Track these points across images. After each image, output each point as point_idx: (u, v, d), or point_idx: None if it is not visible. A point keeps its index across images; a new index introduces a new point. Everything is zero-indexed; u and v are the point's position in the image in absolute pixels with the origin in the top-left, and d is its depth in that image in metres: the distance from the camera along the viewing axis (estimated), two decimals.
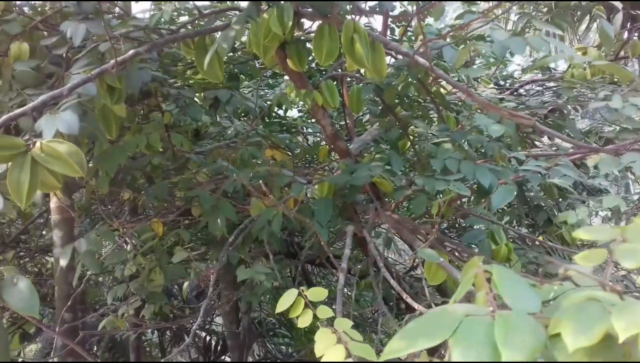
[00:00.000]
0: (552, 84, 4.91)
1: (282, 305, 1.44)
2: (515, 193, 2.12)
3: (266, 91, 4.56)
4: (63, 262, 2.22)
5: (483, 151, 2.62)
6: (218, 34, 2.25)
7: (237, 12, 2.55)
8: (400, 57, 2.69)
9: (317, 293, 1.47)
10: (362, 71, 2.75)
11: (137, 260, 2.49)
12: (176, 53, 3.38)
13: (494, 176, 2.21)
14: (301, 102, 4.49)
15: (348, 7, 2.08)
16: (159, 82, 2.91)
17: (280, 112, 4.60)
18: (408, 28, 4.58)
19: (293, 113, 5.01)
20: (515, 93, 4.95)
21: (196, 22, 2.45)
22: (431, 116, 3.14)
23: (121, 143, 2.37)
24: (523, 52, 1.58)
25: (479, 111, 2.62)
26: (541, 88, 5.00)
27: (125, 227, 2.54)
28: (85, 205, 3.32)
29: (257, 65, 3.88)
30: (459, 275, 1.95)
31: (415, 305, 1.62)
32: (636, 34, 4.76)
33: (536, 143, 4.43)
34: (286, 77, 4.74)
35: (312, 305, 1.43)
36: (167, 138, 2.66)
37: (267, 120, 4.41)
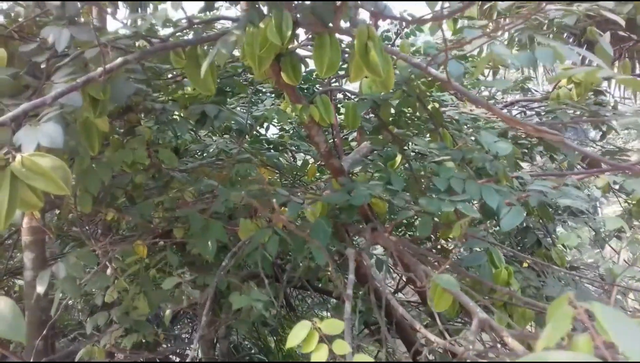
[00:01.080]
0: (535, 104, 4.90)
1: (293, 340, 1.29)
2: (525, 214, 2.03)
3: (248, 106, 4.44)
4: (40, 289, 2.03)
5: (482, 170, 2.54)
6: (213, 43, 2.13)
7: (229, 22, 2.43)
8: (397, 72, 2.61)
9: (333, 325, 1.33)
10: (358, 84, 2.64)
11: (119, 285, 2.31)
12: (157, 66, 3.24)
13: (500, 196, 2.12)
14: (287, 119, 4.38)
15: (350, 15, 1.97)
16: (142, 96, 2.76)
17: (262, 130, 4.50)
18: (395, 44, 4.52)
19: (271, 131, 4.91)
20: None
21: (186, 31, 2.31)
22: (423, 133, 3.05)
23: (105, 158, 2.20)
24: (552, 62, 1.49)
25: (480, 128, 2.53)
26: (524, 109, 4.99)
27: (107, 249, 2.36)
28: (60, 225, 3.11)
29: (241, 80, 3.77)
30: (469, 301, 1.83)
31: (432, 337, 1.50)
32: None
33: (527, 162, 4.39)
34: (269, 94, 4.66)
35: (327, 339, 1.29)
36: (151, 155, 2.50)
37: (252, 137, 4.28)
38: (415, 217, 3.89)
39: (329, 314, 6.89)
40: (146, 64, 2.84)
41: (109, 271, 2.91)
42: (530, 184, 2.15)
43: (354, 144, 4.29)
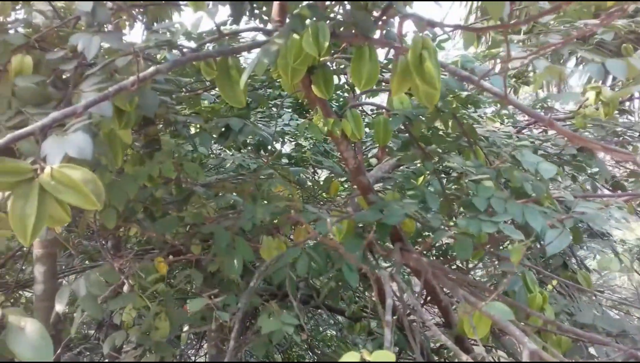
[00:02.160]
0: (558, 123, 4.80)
1: None
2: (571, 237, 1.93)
3: (267, 121, 4.37)
4: (59, 307, 1.93)
5: (516, 189, 2.44)
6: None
7: (259, 33, 2.36)
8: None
9: (384, 356, 1.23)
10: (393, 99, 2.55)
11: (139, 304, 2.21)
12: (177, 79, 3.17)
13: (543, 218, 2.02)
14: (308, 135, 4.30)
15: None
16: (165, 108, 2.69)
17: (277, 145, 4.42)
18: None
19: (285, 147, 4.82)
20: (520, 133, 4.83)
21: (218, 42, 2.23)
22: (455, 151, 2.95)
23: (129, 172, 2.12)
24: (624, 74, 1.40)
25: (517, 147, 2.43)
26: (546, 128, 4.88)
27: (125, 266, 2.26)
28: (70, 239, 3.02)
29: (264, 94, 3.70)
30: (516, 330, 1.72)
31: None
32: None
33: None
34: (286, 109, 4.58)
35: None
36: (177, 169, 2.41)
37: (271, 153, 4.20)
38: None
39: (337, 334, 6.75)
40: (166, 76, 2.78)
41: (125, 288, 2.81)
42: (575, 206, 2.05)
43: (372, 161, 4.20)
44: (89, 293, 1.91)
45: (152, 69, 1.67)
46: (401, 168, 3.79)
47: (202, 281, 2.19)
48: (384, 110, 2.73)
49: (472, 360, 1.60)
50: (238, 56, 2.13)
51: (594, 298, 3.89)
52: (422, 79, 1.41)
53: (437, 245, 3.99)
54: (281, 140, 4.26)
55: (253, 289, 2.06)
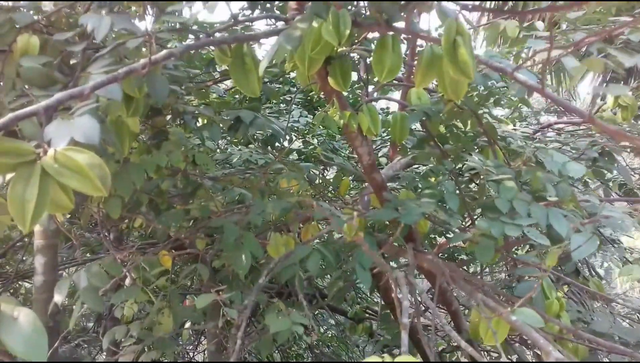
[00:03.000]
0: (571, 128, 4.70)
1: None
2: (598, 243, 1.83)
3: (276, 117, 4.28)
4: (58, 298, 1.85)
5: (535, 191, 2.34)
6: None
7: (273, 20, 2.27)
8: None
9: (408, 359, 1.14)
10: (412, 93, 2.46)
11: (141, 298, 2.12)
12: (186, 70, 3.09)
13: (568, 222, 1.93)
14: (318, 132, 4.22)
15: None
16: (174, 97, 2.60)
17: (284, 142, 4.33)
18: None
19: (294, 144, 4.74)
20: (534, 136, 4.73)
21: (231, 29, 2.14)
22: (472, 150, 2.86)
23: (137, 161, 2.03)
24: None
25: (540, 147, 2.34)
26: (560, 132, 4.78)
27: (129, 259, 2.17)
28: (71, 230, 2.94)
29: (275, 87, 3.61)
30: (540, 338, 1.62)
31: None
32: None
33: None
34: (296, 106, 4.49)
35: None
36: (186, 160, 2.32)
37: (277, 148, 4.11)
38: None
39: (337, 334, 6.65)
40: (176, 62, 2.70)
41: (127, 281, 2.73)
42: (601, 210, 1.95)
43: (382, 160, 4.11)
44: (90, 285, 1.82)
45: (164, 52, 1.58)
46: (412, 167, 3.70)
47: (208, 276, 2.10)
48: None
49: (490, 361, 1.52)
50: (253, 44, 2.04)
51: (605, 306, 3.79)
52: (455, 67, 1.32)
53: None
54: (288, 137, 4.17)
55: (261, 286, 1.97)
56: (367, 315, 5.71)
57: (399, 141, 2.43)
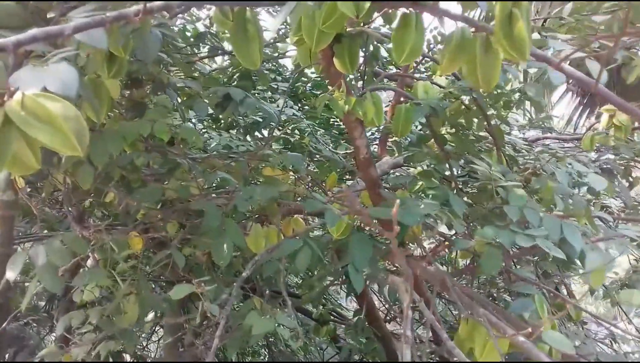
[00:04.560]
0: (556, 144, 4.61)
1: None
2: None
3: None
4: (11, 275, 1.61)
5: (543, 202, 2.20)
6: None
7: None
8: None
9: None
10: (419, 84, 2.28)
11: (104, 282, 1.88)
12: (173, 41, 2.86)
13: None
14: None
15: None
16: (158, 66, 2.37)
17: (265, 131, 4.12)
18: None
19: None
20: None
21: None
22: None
23: (117, 127, 1.80)
24: None
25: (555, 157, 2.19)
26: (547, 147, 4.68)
27: (96, 237, 1.94)
28: (42, 204, 2.67)
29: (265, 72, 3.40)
30: (544, 356, 1.47)
31: None
32: None
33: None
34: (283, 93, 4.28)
35: None
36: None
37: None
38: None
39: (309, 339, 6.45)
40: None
41: (89, 262, 2.48)
42: (615, 228, 1.82)
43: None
44: (48, 262, 1.59)
45: (161, 2, 1.37)
46: (402, 168, 3.54)
47: (184, 264, 1.88)
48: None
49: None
50: (257, 11, 1.83)
51: (581, 329, 3.71)
52: (510, 43, 1.14)
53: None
54: (274, 125, 3.97)
55: (243, 280, 1.77)
56: (332, 318, 5.54)
57: (400, 135, 2.26)
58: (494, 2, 1.15)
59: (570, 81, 2.52)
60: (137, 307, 1.86)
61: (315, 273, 2.62)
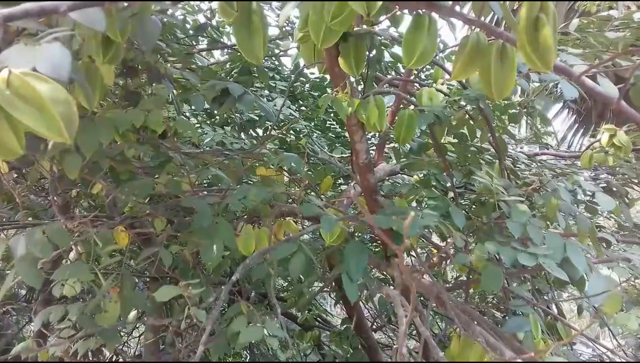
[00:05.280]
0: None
1: None
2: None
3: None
4: None
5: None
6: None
7: None
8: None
9: None
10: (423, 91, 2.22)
11: (86, 277, 1.79)
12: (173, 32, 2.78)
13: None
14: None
15: None
16: (155, 55, 2.29)
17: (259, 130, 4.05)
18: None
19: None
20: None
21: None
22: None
23: (110, 115, 1.71)
24: None
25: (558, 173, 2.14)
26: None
27: (80, 229, 1.85)
28: (28, 191, 2.57)
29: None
30: None
31: None
32: None
33: None
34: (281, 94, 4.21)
35: None
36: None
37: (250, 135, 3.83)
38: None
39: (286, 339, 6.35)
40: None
41: (71, 255, 2.39)
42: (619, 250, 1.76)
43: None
44: (28, 254, 1.51)
45: None
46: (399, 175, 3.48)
47: (170, 263, 1.80)
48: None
49: None
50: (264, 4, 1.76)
51: (570, 350, 3.66)
52: (535, 52, 1.08)
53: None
54: (270, 124, 3.90)
55: (232, 283, 1.69)
56: (317, 323, 5.46)
57: (401, 142, 2.19)
58: (515, 6, 1.09)
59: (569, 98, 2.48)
60: (118, 306, 1.77)
61: (306, 278, 2.53)
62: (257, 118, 3.72)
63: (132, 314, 2.34)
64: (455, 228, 1.86)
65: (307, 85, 4.48)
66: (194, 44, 3.09)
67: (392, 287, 2.91)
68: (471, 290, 3.09)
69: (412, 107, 2.33)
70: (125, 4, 1.54)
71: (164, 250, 1.76)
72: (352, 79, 2.41)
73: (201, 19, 3.48)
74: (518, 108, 2.47)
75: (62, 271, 1.66)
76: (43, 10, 1.04)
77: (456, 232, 1.80)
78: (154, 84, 2.23)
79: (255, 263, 1.89)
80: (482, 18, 1.45)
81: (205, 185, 2.70)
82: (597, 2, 4.42)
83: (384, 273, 3.68)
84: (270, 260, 1.76)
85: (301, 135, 3.63)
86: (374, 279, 2.05)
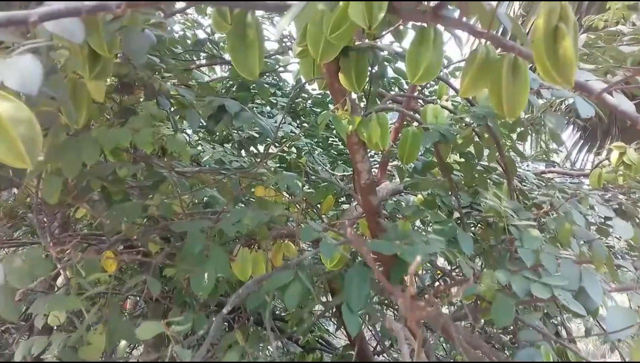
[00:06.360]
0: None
1: None
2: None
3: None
4: None
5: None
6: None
7: None
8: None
9: None
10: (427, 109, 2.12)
11: (73, 305, 1.68)
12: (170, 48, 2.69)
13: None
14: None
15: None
16: (151, 71, 2.20)
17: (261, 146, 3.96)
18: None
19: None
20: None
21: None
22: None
23: (94, 134, 1.61)
24: None
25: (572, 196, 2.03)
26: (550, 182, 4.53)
27: (68, 254, 1.74)
28: (13, 211, 2.47)
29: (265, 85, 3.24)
30: None
31: None
32: None
33: None
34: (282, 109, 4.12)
35: None
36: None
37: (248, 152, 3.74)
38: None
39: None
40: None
41: (59, 281, 2.28)
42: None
43: None
44: (5, 285, 1.40)
45: None
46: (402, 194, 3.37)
47: (159, 291, 1.68)
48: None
49: None
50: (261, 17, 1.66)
51: None
52: (552, 65, 0.97)
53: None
54: (269, 141, 3.80)
55: (223, 316, 1.57)
56: (319, 345, 5.32)
57: (406, 161, 2.09)
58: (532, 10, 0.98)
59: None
60: (104, 337, 1.65)
61: (304, 307, 2.41)
62: (257, 135, 3.64)
63: (123, 344, 2.21)
64: (462, 253, 1.75)
65: (309, 101, 4.40)
66: (194, 59, 3.00)
67: (395, 310, 2.79)
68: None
69: (415, 124, 2.24)
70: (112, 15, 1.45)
71: (151, 279, 1.64)
72: (354, 95, 2.32)
73: (202, 34, 3.41)
74: (525, 124, 2.38)
75: (40, 304, 1.54)
76: (11, 21, 0.95)
77: (463, 260, 1.68)
78: (143, 101, 2.14)
79: (249, 292, 1.77)
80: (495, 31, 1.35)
81: (202, 205, 2.59)
82: (604, 18, 4.34)
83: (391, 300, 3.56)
84: (267, 289, 1.65)
85: (302, 152, 3.52)
86: (380, 310, 1.93)
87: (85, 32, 1.11)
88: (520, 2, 7.64)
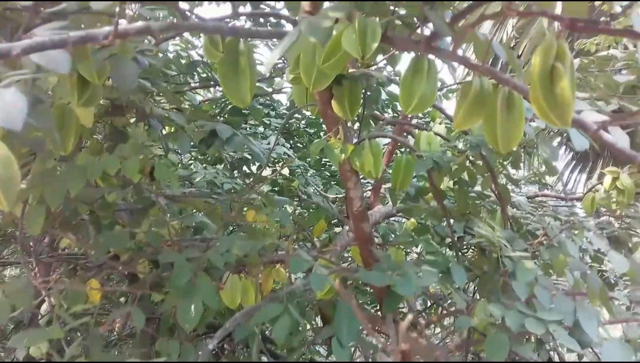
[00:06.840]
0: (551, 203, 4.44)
1: None
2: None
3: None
4: None
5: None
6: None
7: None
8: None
9: None
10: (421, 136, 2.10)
11: (52, 335, 1.63)
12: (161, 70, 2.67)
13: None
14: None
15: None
16: (142, 94, 2.18)
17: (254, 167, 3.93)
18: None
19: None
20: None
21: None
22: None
23: (78, 162, 1.58)
24: None
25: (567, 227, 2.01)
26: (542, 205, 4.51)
27: (53, 281, 1.70)
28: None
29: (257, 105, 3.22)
30: None
31: None
32: None
33: None
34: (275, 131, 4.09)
35: None
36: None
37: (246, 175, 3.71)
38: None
39: None
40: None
41: (43, 308, 2.23)
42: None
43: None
44: None
45: (139, 23, 1.18)
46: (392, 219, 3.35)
47: (144, 323, 1.64)
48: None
49: None
50: (254, 45, 1.65)
51: None
52: (550, 107, 0.95)
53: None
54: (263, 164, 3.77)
55: (209, 352, 1.53)
56: None
57: (398, 189, 2.06)
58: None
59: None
60: None
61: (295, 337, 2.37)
62: (250, 156, 3.61)
63: None
64: (455, 287, 1.72)
65: (303, 121, 4.38)
66: (188, 81, 2.98)
67: (387, 343, 2.74)
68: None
69: (408, 150, 2.22)
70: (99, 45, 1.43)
71: (136, 310, 1.60)
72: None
73: (196, 55, 3.39)
74: (518, 150, 2.37)
75: (19, 339, 1.49)
76: None
77: (457, 294, 1.65)
78: (131, 127, 2.11)
79: (236, 325, 1.73)
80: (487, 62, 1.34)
81: (192, 230, 2.55)
82: (596, 42, 4.37)
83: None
84: (256, 322, 1.61)
85: (295, 174, 3.49)
86: (371, 344, 1.89)
87: (72, 62, 1.09)
88: (513, 24, 7.71)
